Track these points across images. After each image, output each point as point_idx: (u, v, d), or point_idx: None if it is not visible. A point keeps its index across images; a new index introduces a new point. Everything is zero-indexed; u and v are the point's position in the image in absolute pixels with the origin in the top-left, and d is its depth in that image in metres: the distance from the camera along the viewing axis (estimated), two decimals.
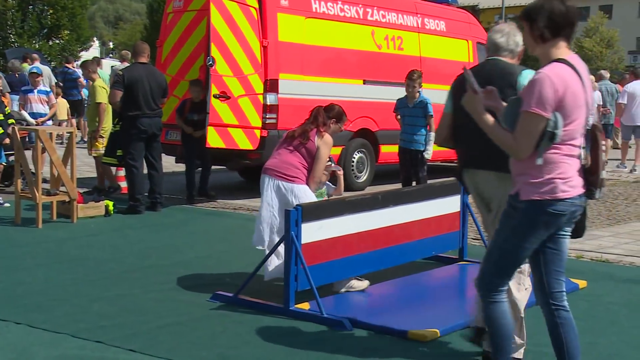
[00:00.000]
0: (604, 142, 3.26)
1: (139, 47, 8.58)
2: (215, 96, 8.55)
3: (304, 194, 5.01)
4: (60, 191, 7.87)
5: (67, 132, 8.38)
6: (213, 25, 8.63)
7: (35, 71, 11.00)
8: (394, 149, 8.45)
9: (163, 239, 6.99)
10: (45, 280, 5.40)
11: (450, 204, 5.92)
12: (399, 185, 7.89)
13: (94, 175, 9.95)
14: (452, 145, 4.03)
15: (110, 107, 8.95)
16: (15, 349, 4.00)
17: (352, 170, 10.22)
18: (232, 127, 8.77)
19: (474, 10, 32.01)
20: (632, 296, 5.12)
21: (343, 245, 4.91)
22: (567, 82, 3.07)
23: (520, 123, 3.09)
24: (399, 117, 7.96)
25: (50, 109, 10.74)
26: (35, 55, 16.26)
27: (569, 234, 3.29)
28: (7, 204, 8.31)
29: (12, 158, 8.68)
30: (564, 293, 3.31)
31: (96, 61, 13.79)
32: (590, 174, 3.21)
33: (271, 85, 9.13)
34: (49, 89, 11.18)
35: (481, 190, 3.92)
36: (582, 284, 5.37)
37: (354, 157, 10.26)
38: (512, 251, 3.25)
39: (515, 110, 3.11)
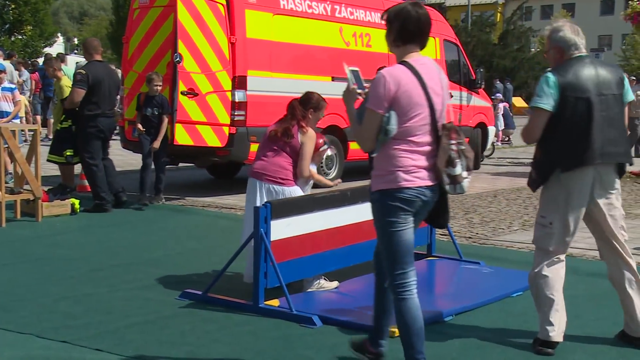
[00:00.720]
0: (453, 140, 3.38)
1: (94, 44, 8.47)
2: (183, 93, 8.48)
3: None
4: (24, 189, 7.74)
5: (31, 130, 8.22)
6: (180, 22, 8.56)
7: None
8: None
9: (131, 237, 6.92)
10: (9, 280, 5.30)
11: None
12: (368, 182, 7.91)
13: (59, 173, 9.80)
14: (544, 143, 3.96)
15: (59, 103, 8.83)
16: None
17: (322, 166, 10.23)
18: (200, 124, 8.71)
19: (440, 7, 32.22)
20: (595, 290, 5.20)
21: (312, 242, 4.91)
22: (401, 82, 3.31)
23: (364, 119, 3.38)
24: None
25: (15, 106, 10.53)
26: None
27: (416, 227, 3.48)
28: None
29: None
30: (412, 281, 3.46)
31: (60, 57, 13.58)
32: (436, 169, 3.40)
33: (239, 82, 9.08)
34: (13, 86, 10.96)
35: (596, 186, 3.96)
36: None
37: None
38: (390, 242, 3.39)
39: (364, 106, 3.40)
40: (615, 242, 4.08)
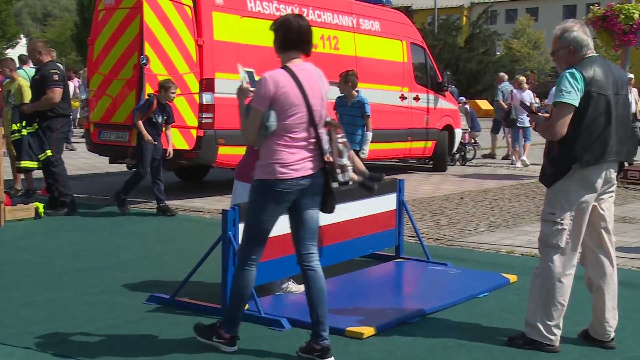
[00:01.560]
0: (339, 134, 3.90)
1: (44, 44, 8.38)
2: (149, 95, 8.39)
3: None
4: None
5: None
6: (146, 24, 8.49)
7: None
8: None
9: (97, 241, 6.83)
10: None
11: (387, 203, 5.99)
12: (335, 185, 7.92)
13: (22, 177, 9.63)
14: (563, 138, 3.94)
15: (9, 107, 8.70)
16: None
17: None
18: None
19: (407, 11, 32.42)
20: None
21: (281, 245, 4.89)
22: (280, 84, 3.73)
23: (249, 115, 3.79)
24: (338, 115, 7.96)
25: None
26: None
27: (315, 208, 3.91)
28: None
29: None
30: (313, 254, 3.93)
31: (23, 59, 13.34)
32: (326, 161, 3.82)
33: (207, 85, 9.03)
34: None
35: (602, 184, 4.04)
36: (512, 278, 5.52)
37: None
38: (253, 224, 3.87)
39: (250, 104, 3.84)
40: (605, 241, 4.13)
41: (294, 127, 3.76)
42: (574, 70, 3.95)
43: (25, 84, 8.84)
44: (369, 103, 7.78)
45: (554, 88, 4.25)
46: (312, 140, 3.80)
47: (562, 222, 3.99)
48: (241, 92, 3.99)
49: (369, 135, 7.79)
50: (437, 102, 13.04)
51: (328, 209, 3.96)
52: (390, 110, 11.78)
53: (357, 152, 7.78)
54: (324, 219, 5.21)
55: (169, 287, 4.98)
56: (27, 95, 8.70)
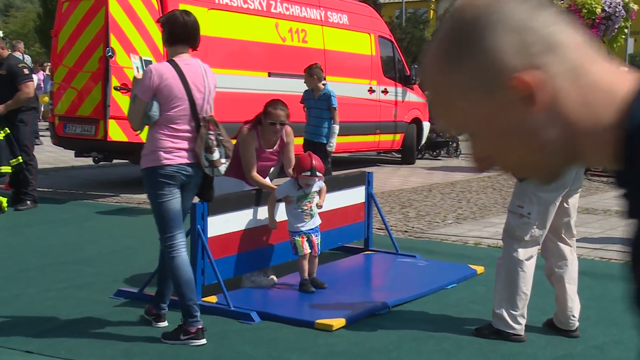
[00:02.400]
0: (211, 131, 4.01)
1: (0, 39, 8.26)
2: (115, 88, 8.29)
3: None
4: None
5: None
6: (112, 15, 8.37)
7: None
8: (299, 141, 8.48)
9: (63, 236, 6.73)
10: None
11: (356, 195, 6.01)
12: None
13: None
14: None
15: None
16: None
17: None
18: None
19: (375, 4, 32.48)
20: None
21: (250, 238, 4.89)
22: (163, 77, 3.91)
23: (135, 103, 4.00)
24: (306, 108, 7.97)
25: None
26: None
27: (193, 195, 4.16)
28: None
29: None
30: (179, 235, 4.04)
31: None
32: (194, 152, 3.99)
33: None
34: None
35: (573, 181, 4.08)
36: (479, 269, 5.59)
37: None
38: (158, 210, 4.02)
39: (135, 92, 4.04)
40: (568, 234, 4.20)
41: (176, 119, 3.96)
42: None
43: None
44: (336, 96, 7.79)
45: None
46: (193, 132, 4.00)
47: (529, 216, 4.04)
48: (134, 81, 4.10)
49: (336, 128, 7.80)
50: (406, 95, 13.11)
51: (205, 197, 4.24)
52: (359, 103, 11.81)
53: (324, 145, 7.81)
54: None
55: (137, 282, 4.94)
56: None
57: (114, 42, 8.34)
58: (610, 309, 4.68)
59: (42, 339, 4.03)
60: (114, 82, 8.27)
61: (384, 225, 6.36)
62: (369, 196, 6.13)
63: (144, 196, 8.83)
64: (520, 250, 4.07)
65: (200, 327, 3.98)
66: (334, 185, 5.84)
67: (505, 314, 4.09)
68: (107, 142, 8.43)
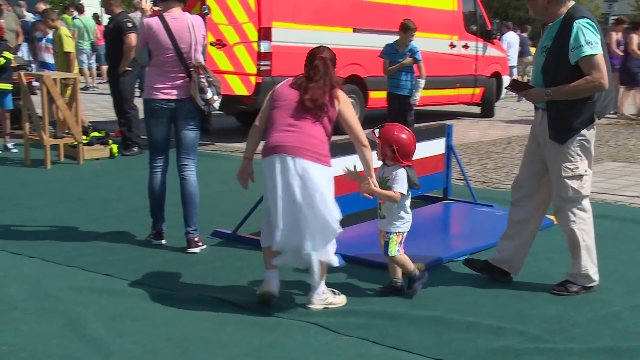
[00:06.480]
0: (201, 75, 4.58)
1: None
2: (211, 44, 8.40)
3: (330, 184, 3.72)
4: (66, 134, 7.80)
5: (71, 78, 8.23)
6: None
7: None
8: (382, 94, 8.38)
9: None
10: (54, 218, 5.40)
11: (436, 147, 5.92)
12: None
13: (98, 119, 9.85)
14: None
15: (61, 54, 8.71)
16: (29, 280, 4.04)
17: None
18: (228, 73, 8.65)
19: None
20: (601, 230, 5.16)
21: (336, 186, 4.90)
22: (152, 29, 4.57)
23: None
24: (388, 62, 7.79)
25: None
26: (40, 5, 15.81)
27: (191, 130, 4.70)
28: (15, 150, 8.24)
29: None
30: (186, 165, 4.78)
31: (78, 8, 13.21)
32: (190, 94, 4.60)
33: (264, 33, 8.97)
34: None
35: None
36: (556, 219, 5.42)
37: None
38: (147, 135, 4.78)
39: None
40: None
41: (163, 63, 4.58)
42: (591, 21, 3.77)
43: (66, 33, 8.84)
44: (420, 51, 7.62)
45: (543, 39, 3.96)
46: (182, 75, 4.58)
47: (586, 172, 3.89)
48: None
49: (422, 82, 7.64)
50: (486, 50, 12.67)
51: (205, 130, 4.75)
52: (440, 57, 11.51)
53: (408, 98, 7.67)
54: (376, 161, 5.19)
55: (231, 224, 5.08)
56: (67, 44, 8.70)
57: (209, 0, 8.41)
58: None
59: (147, 272, 4.23)
60: (210, 38, 8.37)
61: (462, 176, 6.25)
62: (449, 148, 6.03)
63: (237, 145, 9.02)
64: (587, 206, 3.95)
65: (153, 231, 4.85)
66: (415, 136, 5.75)
67: (590, 272, 3.97)
68: None
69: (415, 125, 7.50)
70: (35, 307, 3.64)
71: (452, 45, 11.92)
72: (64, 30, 8.84)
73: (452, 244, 4.98)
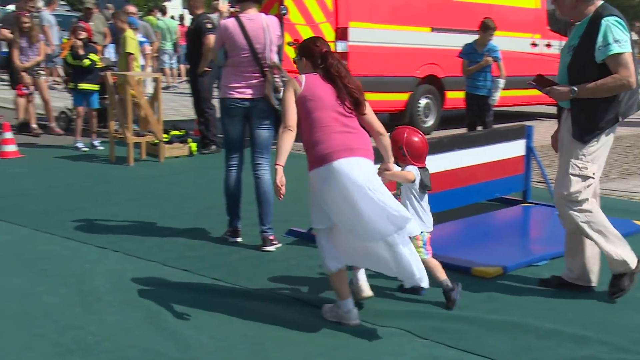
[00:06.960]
0: (276, 74, 4.65)
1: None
2: (289, 44, 8.47)
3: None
4: (148, 132, 8.06)
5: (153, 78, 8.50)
6: None
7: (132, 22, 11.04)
8: (460, 94, 8.23)
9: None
10: (135, 214, 5.59)
11: (515, 148, 5.77)
12: (464, 130, 7.71)
13: (178, 117, 10.12)
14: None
15: (124, 55, 8.80)
16: (114, 273, 4.19)
17: (419, 115, 10.08)
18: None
19: None
20: None
21: (448, 179, 4.84)
22: (228, 30, 4.66)
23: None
24: (466, 62, 7.63)
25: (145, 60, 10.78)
26: (128, 8, 16.39)
27: (265, 129, 4.74)
28: (101, 147, 8.58)
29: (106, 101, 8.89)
30: (260, 164, 4.80)
31: (161, 9, 13.46)
32: (265, 94, 4.66)
33: (341, 33, 8.98)
34: (144, 39, 11.25)
35: None
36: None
37: (420, 103, 10.08)
38: (223, 133, 4.89)
39: None
40: None
41: (239, 63, 4.67)
42: (619, 19, 3.61)
43: (130, 35, 8.98)
44: (499, 50, 7.44)
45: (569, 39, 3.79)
46: (256, 74, 4.66)
47: (593, 175, 3.76)
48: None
49: (502, 82, 7.46)
50: None
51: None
52: (519, 57, 11.20)
53: (487, 98, 7.50)
54: (454, 162, 5.12)
55: (306, 222, 5.10)
56: (129, 45, 8.79)
57: (287, 1, 8.50)
58: None
59: (224, 269, 4.32)
60: (287, 38, 8.46)
61: (542, 178, 6.05)
62: (529, 149, 5.85)
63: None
64: (591, 207, 3.80)
65: (230, 229, 4.89)
66: (494, 137, 5.64)
67: (620, 255, 3.79)
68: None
69: (495, 126, 7.33)
70: (119, 299, 3.78)
71: (534, 44, 11.57)
72: (129, 33, 9.10)
73: (530, 248, 4.84)
